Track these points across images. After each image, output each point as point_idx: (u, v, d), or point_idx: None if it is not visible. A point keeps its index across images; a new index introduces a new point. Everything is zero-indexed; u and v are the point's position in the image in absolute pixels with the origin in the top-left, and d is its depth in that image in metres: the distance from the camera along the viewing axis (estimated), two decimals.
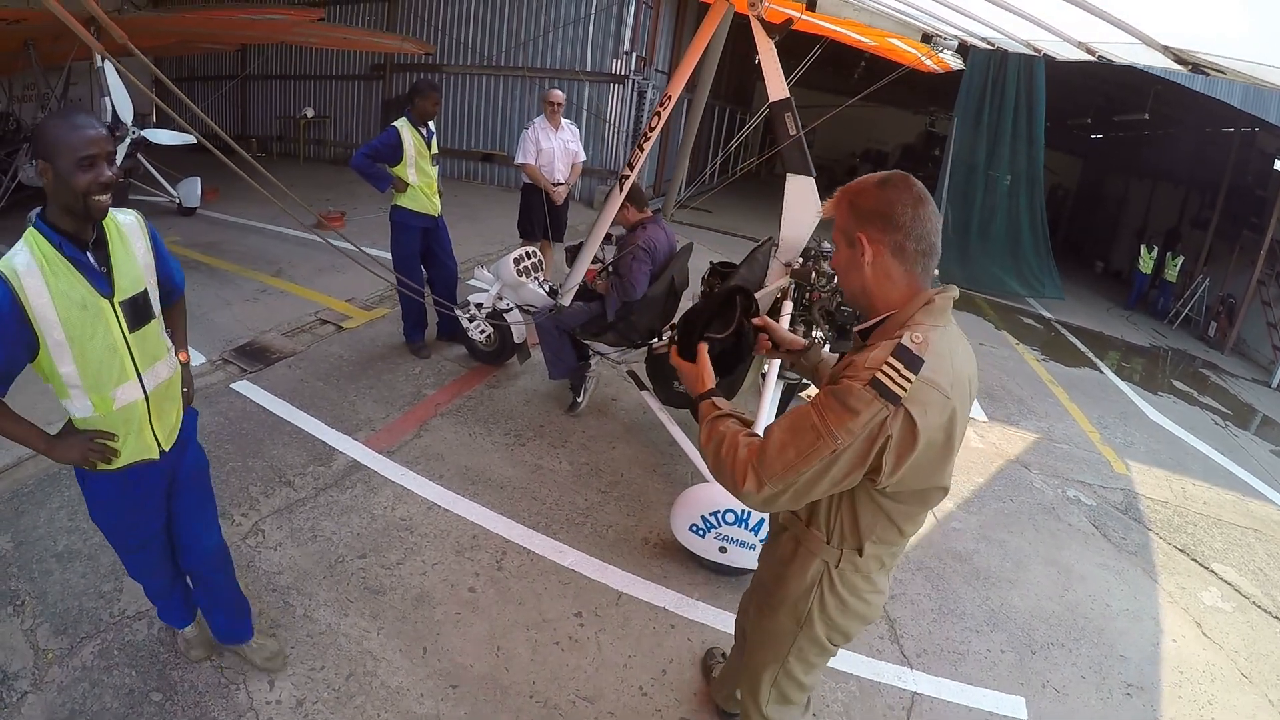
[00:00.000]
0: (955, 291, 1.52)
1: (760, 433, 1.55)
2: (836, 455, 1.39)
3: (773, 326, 2.00)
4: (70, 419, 1.99)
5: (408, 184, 4.87)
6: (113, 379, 1.92)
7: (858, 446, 1.39)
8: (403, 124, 4.80)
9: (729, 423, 1.61)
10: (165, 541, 2.29)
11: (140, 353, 1.98)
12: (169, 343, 2.16)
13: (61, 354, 1.81)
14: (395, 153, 4.78)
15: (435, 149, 5.03)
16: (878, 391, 1.36)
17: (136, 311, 1.96)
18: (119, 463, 2.03)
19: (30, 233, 1.78)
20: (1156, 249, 13.54)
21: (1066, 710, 2.97)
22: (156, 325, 2.06)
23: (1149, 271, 13.39)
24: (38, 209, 1.81)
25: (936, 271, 1.55)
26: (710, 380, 1.77)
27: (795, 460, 1.42)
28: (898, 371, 1.36)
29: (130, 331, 1.94)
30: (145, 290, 1.99)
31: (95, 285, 1.85)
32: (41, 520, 3.20)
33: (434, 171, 5.04)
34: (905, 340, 1.39)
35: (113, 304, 1.88)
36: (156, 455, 2.11)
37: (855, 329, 1.65)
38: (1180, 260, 13.01)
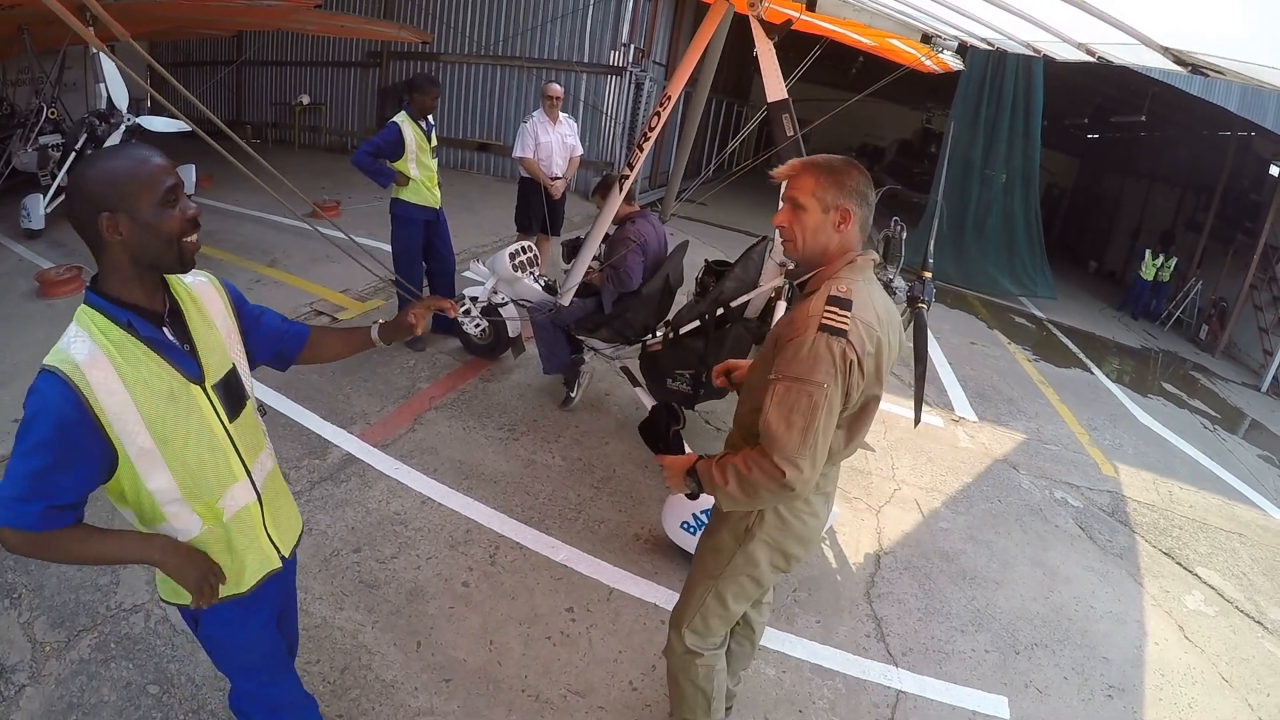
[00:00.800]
0: (875, 255, 1.86)
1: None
2: (829, 397, 1.65)
3: (734, 366, 2.28)
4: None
5: (409, 178, 4.88)
6: (219, 482, 1.57)
7: (838, 380, 1.65)
8: (403, 119, 4.80)
9: (726, 457, 1.81)
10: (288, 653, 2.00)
11: (244, 445, 1.64)
12: (263, 426, 1.82)
13: (151, 464, 1.43)
14: (396, 148, 4.79)
15: (434, 141, 5.05)
16: (828, 332, 1.64)
17: (230, 394, 1.60)
18: (245, 586, 1.69)
19: (84, 313, 1.38)
20: (1163, 258, 13.07)
21: (1048, 711, 3.03)
22: (252, 407, 1.72)
23: (1151, 278, 13.14)
24: (88, 290, 1.41)
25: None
26: (687, 455, 1.98)
27: (805, 423, 1.65)
28: (836, 313, 1.66)
29: (230, 421, 1.59)
30: (234, 366, 1.63)
31: (182, 369, 1.47)
32: None
33: (434, 164, 5.06)
34: (832, 290, 1.69)
35: (205, 389, 1.52)
36: (278, 564, 1.78)
37: (796, 282, 1.95)
38: (1174, 261, 13.06)
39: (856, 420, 1.83)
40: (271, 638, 1.84)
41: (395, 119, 4.81)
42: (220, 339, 1.60)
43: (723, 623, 2.14)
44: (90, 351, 1.33)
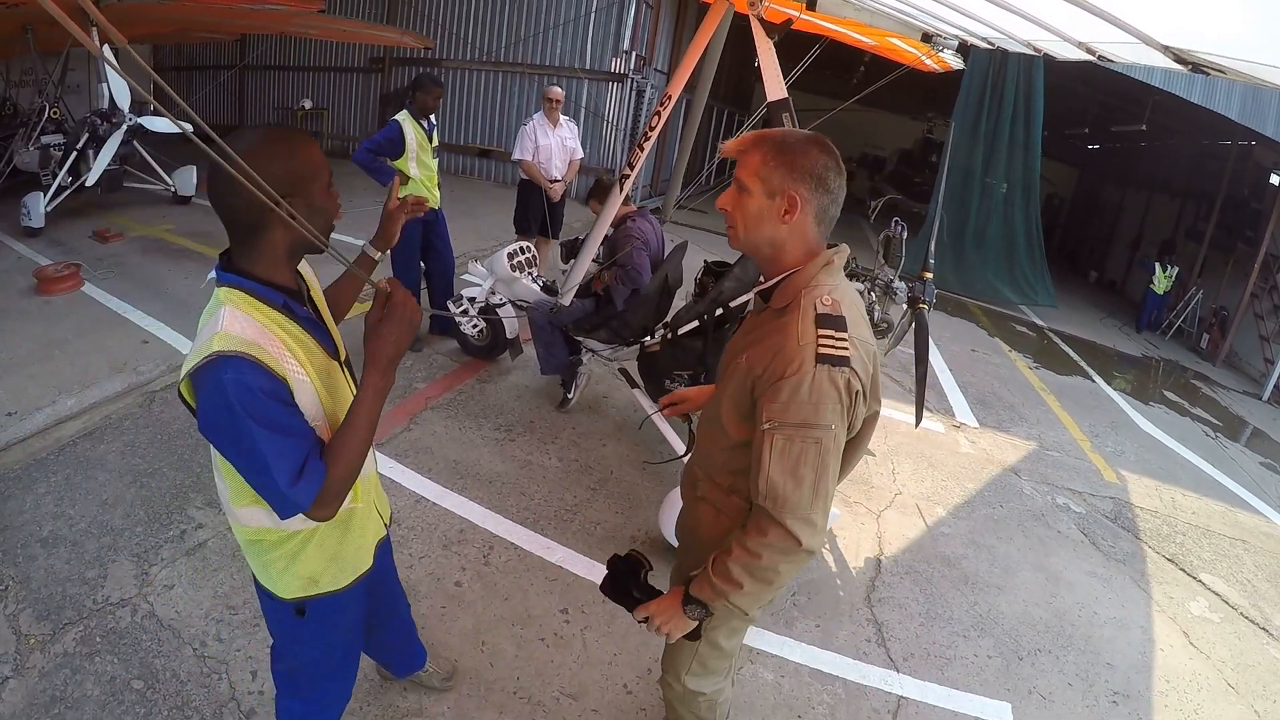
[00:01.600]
0: (847, 249, 1.60)
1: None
2: (837, 438, 1.44)
3: (683, 397, 2.13)
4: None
5: (409, 177, 4.86)
6: None
7: (844, 417, 1.44)
8: (404, 117, 4.79)
9: (720, 558, 1.55)
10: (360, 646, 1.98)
11: None
12: None
13: (319, 424, 1.42)
14: (397, 147, 4.76)
15: (435, 142, 5.03)
16: (829, 364, 1.40)
17: (352, 371, 1.64)
18: (369, 563, 1.74)
19: (233, 295, 1.36)
20: (1174, 269, 12.88)
21: (1052, 717, 2.97)
22: None
23: (1163, 292, 12.81)
24: (216, 267, 1.41)
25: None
26: (671, 591, 1.70)
27: (817, 476, 1.43)
28: (833, 338, 1.42)
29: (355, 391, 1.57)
30: (348, 357, 1.65)
31: (327, 347, 1.50)
32: (27, 505, 3.17)
33: (434, 164, 5.04)
34: (817, 307, 1.44)
35: (341, 365, 1.57)
36: (384, 531, 1.85)
37: (755, 290, 1.69)
38: (1175, 271, 13.04)
39: (857, 441, 1.65)
40: (361, 620, 1.86)
41: (396, 117, 4.80)
42: (335, 326, 1.65)
43: (723, 659, 1.91)
44: (257, 328, 1.32)
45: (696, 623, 1.64)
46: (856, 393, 1.44)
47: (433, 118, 4.98)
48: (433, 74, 5.13)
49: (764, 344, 1.50)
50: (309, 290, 1.56)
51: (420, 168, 4.90)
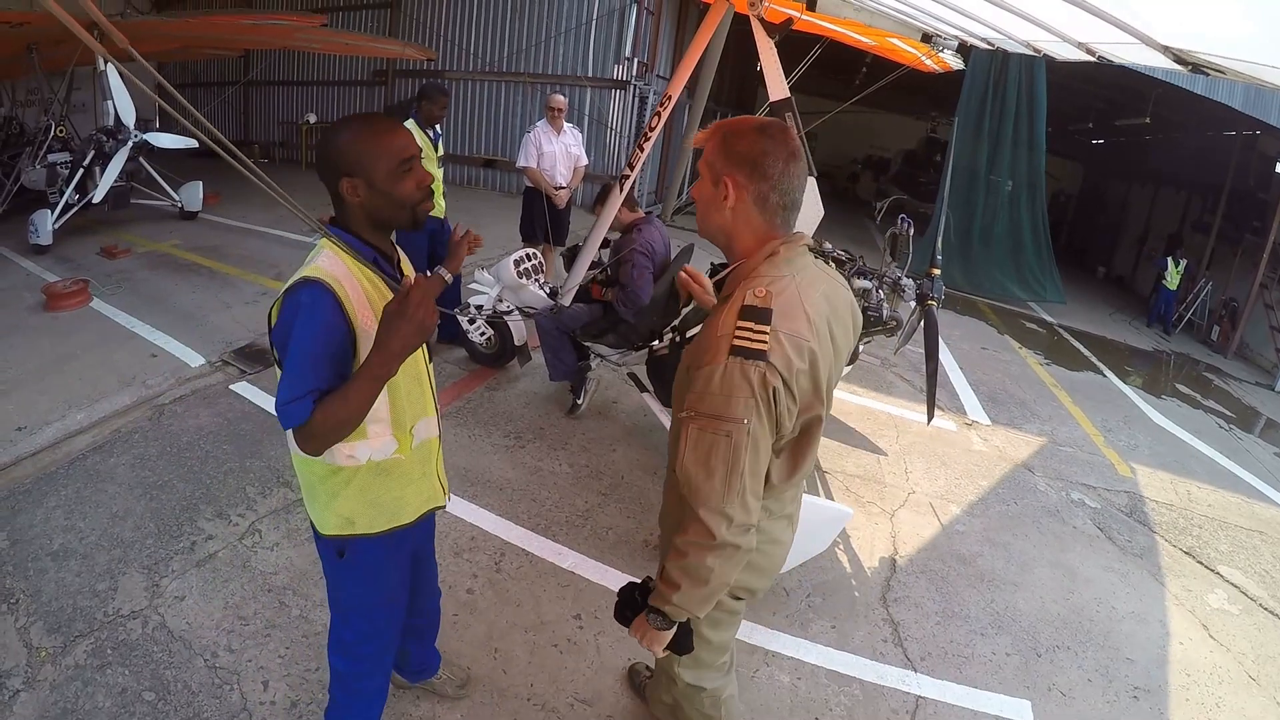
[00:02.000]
0: (804, 239, 1.55)
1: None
2: (753, 433, 1.39)
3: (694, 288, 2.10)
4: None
5: None
6: (416, 412, 1.76)
7: (760, 411, 1.39)
8: (411, 126, 4.80)
9: (666, 564, 1.55)
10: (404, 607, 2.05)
11: (435, 385, 1.87)
12: None
13: None
14: None
15: (441, 151, 5.04)
16: (742, 356, 1.37)
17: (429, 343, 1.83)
18: (415, 514, 1.85)
19: (331, 243, 1.56)
20: (1184, 263, 12.62)
21: (1073, 714, 2.93)
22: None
23: (1175, 287, 12.57)
24: (328, 224, 1.61)
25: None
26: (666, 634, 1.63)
27: (728, 470, 1.40)
28: (751, 330, 1.38)
29: (428, 361, 1.83)
30: None
31: None
32: (38, 519, 3.18)
33: (439, 174, 5.05)
34: (747, 299, 1.41)
35: None
36: (443, 501, 1.96)
37: (714, 280, 1.69)
38: (1184, 264, 12.94)
39: (800, 445, 1.57)
40: (403, 580, 1.95)
41: (404, 125, 4.81)
42: None
43: (714, 652, 1.90)
44: (344, 270, 1.52)
45: (671, 633, 1.61)
46: (775, 389, 1.38)
47: (438, 127, 4.99)
48: (438, 83, 5.15)
49: (699, 334, 1.53)
50: (400, 261, 1.77)
51: None
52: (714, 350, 1.40)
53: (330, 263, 1.52)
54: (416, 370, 1.75)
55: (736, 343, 1.38)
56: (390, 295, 1.58)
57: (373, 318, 1.53)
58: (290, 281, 1.50)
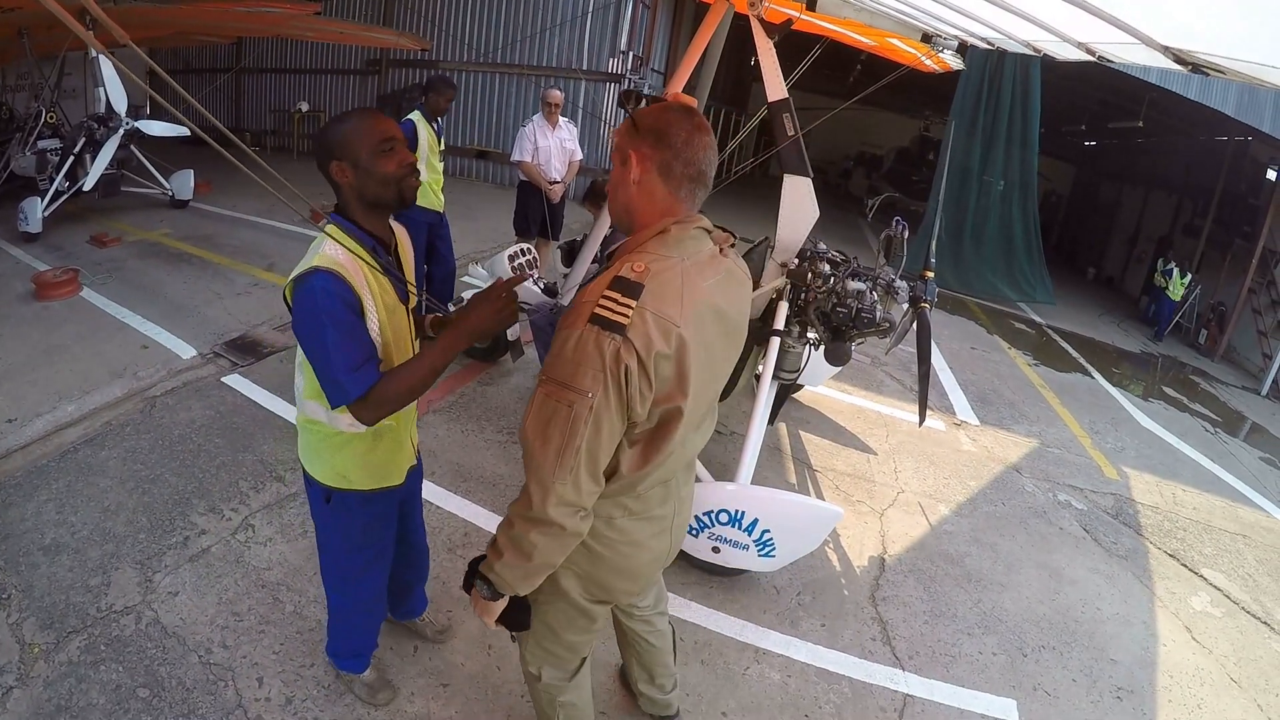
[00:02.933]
0: (697, 223, 1.50)
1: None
2: (596, 409, 1.33)
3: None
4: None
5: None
6: None
7: (609, 388, 1.33)
8: (418, 118, 4.79)
9: (496, 531, 1.53)
10: (390, 554, 2.26)
11: None
12: None
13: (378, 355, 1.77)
14: (410, 146, 4.74)
15: (443, 145, 5.04)
16: (599, 326, 1.32)
17: (418, 319, 2.05)
18: (400, 476, 2.08)
19: (334, 231, 1.73)
20: (1190, 276, 12.34)
21: (1057, 713, 2.98)
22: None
23: (1179, 298, 12.34)
24: (332, 214, 1.78)
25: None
26: (494, 605, 1.60)
27: (563, 441, 1.34)
28: (616, 301, 1.33)
29: (416, 337, 2.01)
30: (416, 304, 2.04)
31: (399, 291, 1.87)
32: (29, 513, 3.16)
33: (441, 168, 5.04)
34: (623, 270, 1.37)
35: (407, 310, 1.93)
36: (414, 460, 2.18)
37: (607, 252, 1.67)
38: (1190, 278, 13.00)
39: (656, 437, 1.47)
40: (389, 531, 2.17)
41: (410, 116, 4.79)
42: (412, 277, 2.00)
43: (559, 646, 1.82)
44: (347, 257, 1.69)
45: (502, 605, 1.58)
46: (627, 368, 1.32)
47: (441, 120, 4.98)
48: (445, 75, 5.15)
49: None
50: (396, 244, 1.93)
51: (429, 170, 4.90)
52: (575, 315, 1.36)
53: (333, 250, 1.68)
54: (408, 349, 1.93)
55: (598, 311, 1.33)
56: (385, 283, 1.79)
57: (372, 302, 1.72)
58: (299, 270, 1.66)
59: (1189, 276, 12.44)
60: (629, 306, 1.32)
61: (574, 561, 1.60)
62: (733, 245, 1.66)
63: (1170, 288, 12.43)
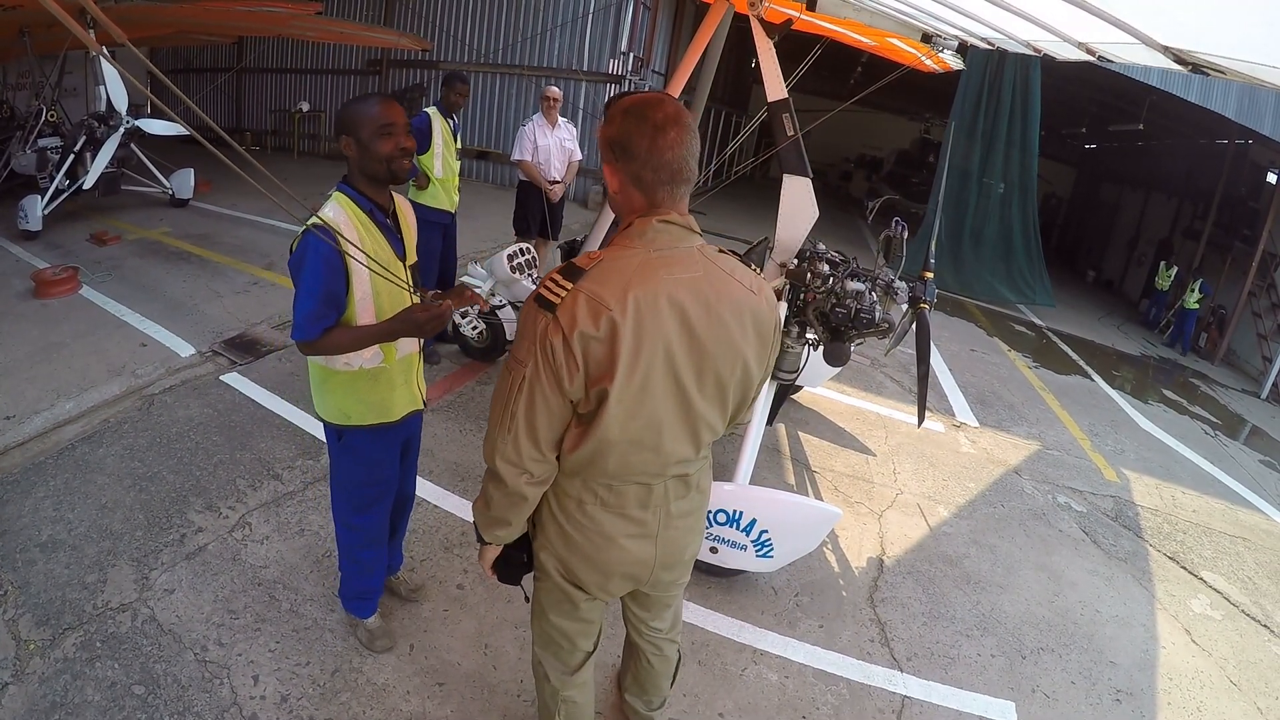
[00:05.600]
0: (665, 216, 1.49)
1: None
2: (529, 380, 1.45)
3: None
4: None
5: (430, 179, 4.82)
6: None
7: (539, 361, 1.43)
8: (434, 112, 4.77)
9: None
10: (394, 492, 2.53)
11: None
12: None
13: (365, 306, 2.09)
14: (425, 139, 4.72)
15: (459, 143, 5.02)
16: (538, 304, 1.44)
17: (414, 276, 2.32)
18: (400, 414, 2.32)
19: (339, 196, 2.08)
20: (1199, 288, 12.12)
21: (1056, 715, 2.97)
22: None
23: (1193, 307, 12.17)
24: (340, 181, 2.11)
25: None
26: (486, 551, 1.76)
27: (504, 406, 1.49)
28: (556, 283, 1.44)
29: (414, 291, 2.26)
30: (416, 261, 2.35)
31: (396, 249, 2.18)
32: (26, 509, 3.16)
33: (457, 166, 5.02)
34: (577, 260, 1.49)
35: (405, 266, 2.22)
36: (421, 405, 2.44)
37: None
38: (1174, 271, 13.01)
39: (593, 419, 1.49)
40: (390, 471, 2.42)
41: (426, 110, 4.78)
42: (414, 239, 2.33)
43: (556, 636, 1.88)
44: (345, 218, 2.03)
45: (494, 553, 1.74)
46: (552, 345, 1.41)
47: (456, 117, 4.96)
48: (460, 72, 5.15)
49: None
50: (397, 210, 2.24)
51: (444, 167, 4.87)
52: (531, 296, 1.49)
53: (334, 211, 2.03)
54: (401, 301, 2.16)
55: (540, 291, 1.46)
56: (381, 238, 2.12)
57: (363, 256, 2.00)
58: (306, 224, 1.97)
59: (1199, 283, 12.28)
60: (565, 288, 1.42)
61: (550, 540, 1.71)
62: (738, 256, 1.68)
63: (1186, 299, 12.26)
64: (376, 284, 2.08)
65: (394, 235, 2.18)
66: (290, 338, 2.11)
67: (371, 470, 2.36)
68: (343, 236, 1.97)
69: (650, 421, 1.52)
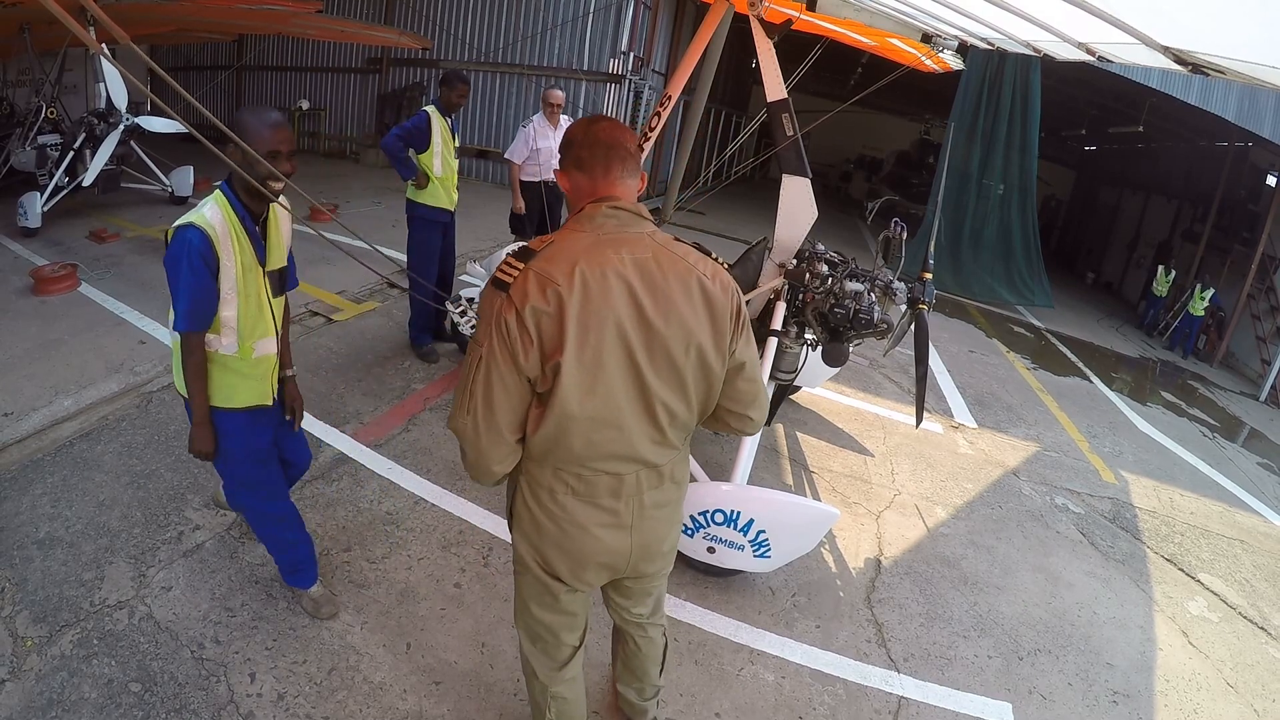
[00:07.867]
0: (610, 202, 1.59)
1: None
2: (486, 358, 1.52)
3: None
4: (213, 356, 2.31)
5: (430, 178, 4.81)
6: (258, 332, 2.36)
7: (495, 339, 1.50)
8: (433, 110, 4.76)
9: None
10: (278, 460, 2.66)
11: (278, 316, 2.47)
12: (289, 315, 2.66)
13: (228, 300, 2.22)
14: (424, 138, 4.71)
15: (457, 142, 5.01)
16: (494, 285, 1.53)
17: (276, 282, 2.43)
18: (243, 403, 2.41)
19: (218, 197, 2.20)
20: (1210, 290, 12.07)
21: (1053, 717, 2.97)
22: (286, 300, 2.56)
23: (1201, 312, 12.05)
24: (224, 180, 2.23)
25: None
26: None
27: (464, 381, 1.56)
28: (510, 264, 1.53)
29: (273, 297, 2.40)
30: (285, 268, 2.50)
31: (257, 254, 2.30)
32: (24, 506, 3.15)
33: (455, 164, 5.01)
34: (531, 242, 1.58)
35: (263, 272, 2.33)
36: (270, 402, 2.52)
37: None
38: (1173, 274, 13.01)
39: (550, 397, 1.54)
40: (261, 443, 2.53)
41: (425, 109, 4.77)
42: (283, 247, 2.46)
43: (538, 628, 1.90)
44: (220, 220, 2.16)
45: None
46: (506, 322, 1.48)
47: (454, 116, 4.96)
48: (460, 71, 5.12)
49: None
50: (268, 218, 2.36)
51: (444, 166, 4.86)
52: (488, 280, 1.57)
53: (212, 212, 2.16)
54: (260, 302, 2.33)
55: (496, 274, 1.54)
56: (246, 244, 2.24)
57: (231, 258, 2.17)
58: (181, 220, 2.13)
59: (1209, 292, 12.16)
60: (517, 268, 1.52)
61: (525, 530, 1.75)
62: (716, 258, 1.73)
63: (1193, 304, 12.21)
64: (239, 282, 2.23)
65: (258, 242, 2.30)
66: (175, 327, 2.19)
67: (237, 445, 2.46)
68: (216, 235, 2.12)
69: (608, 398, 1.56)
